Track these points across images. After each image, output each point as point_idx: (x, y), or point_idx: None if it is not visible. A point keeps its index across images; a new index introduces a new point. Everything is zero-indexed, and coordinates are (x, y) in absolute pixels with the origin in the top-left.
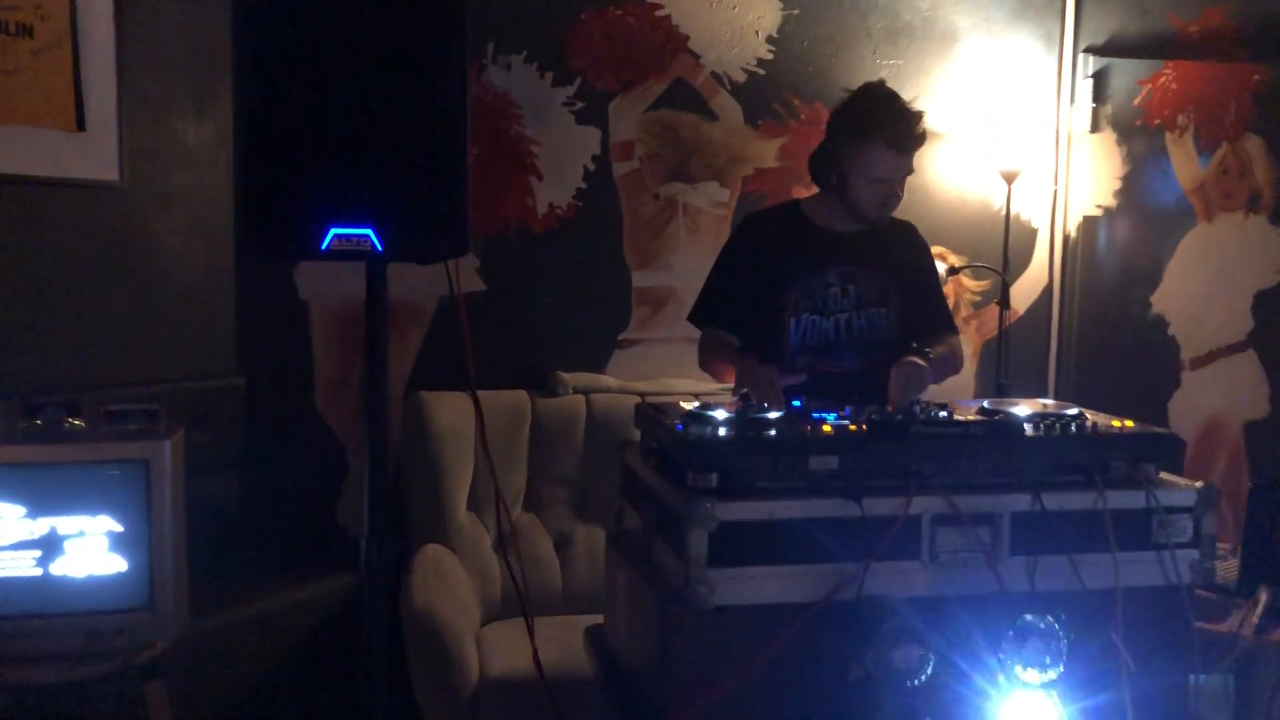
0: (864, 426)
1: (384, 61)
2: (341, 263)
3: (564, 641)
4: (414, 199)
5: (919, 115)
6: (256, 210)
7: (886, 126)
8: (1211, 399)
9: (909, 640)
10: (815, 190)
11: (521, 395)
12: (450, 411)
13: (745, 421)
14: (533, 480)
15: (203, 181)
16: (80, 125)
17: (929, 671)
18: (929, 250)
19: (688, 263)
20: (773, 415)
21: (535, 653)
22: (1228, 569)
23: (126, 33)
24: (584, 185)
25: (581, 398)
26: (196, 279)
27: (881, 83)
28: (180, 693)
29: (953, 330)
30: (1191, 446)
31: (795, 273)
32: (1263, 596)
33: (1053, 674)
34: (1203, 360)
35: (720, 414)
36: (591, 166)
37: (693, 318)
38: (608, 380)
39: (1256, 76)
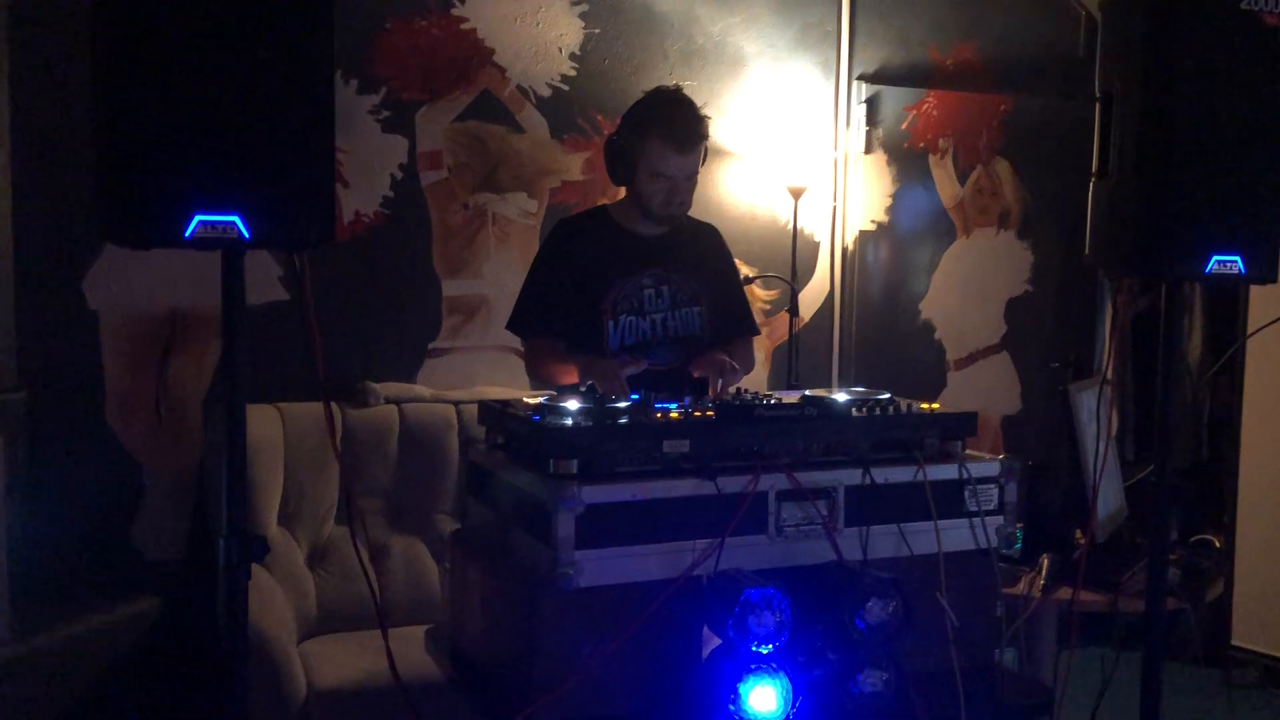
0: (710, 413)
1: (250, 47)
2: (135, 270)
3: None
4: (280, 186)
5: (700, 116)
6: (115, 197)
7: (667, 122)
8: (974, 396)
9: (765, 606)
10: (621, 195)
11: (332, 407)
12: (257, 423)
13: (599, 411)
14: (343, 493)
15: None
16: None
17: (785, 637)
18: (730, 253)
19: (498, 271)
20: (622, 405)
21: (390, 655)
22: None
23: None
24: (391, 194)
25: (394, 407)
26: None
27: (675, 86)
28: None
29: (754, 331)
30: None
31: (610, 276)
32: (1045, 563)
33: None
34: (965, 361)
35: (572, 404)
36: (399, 175)
37: (513, 326)
38: (420, 389)
39: (1003, 106)
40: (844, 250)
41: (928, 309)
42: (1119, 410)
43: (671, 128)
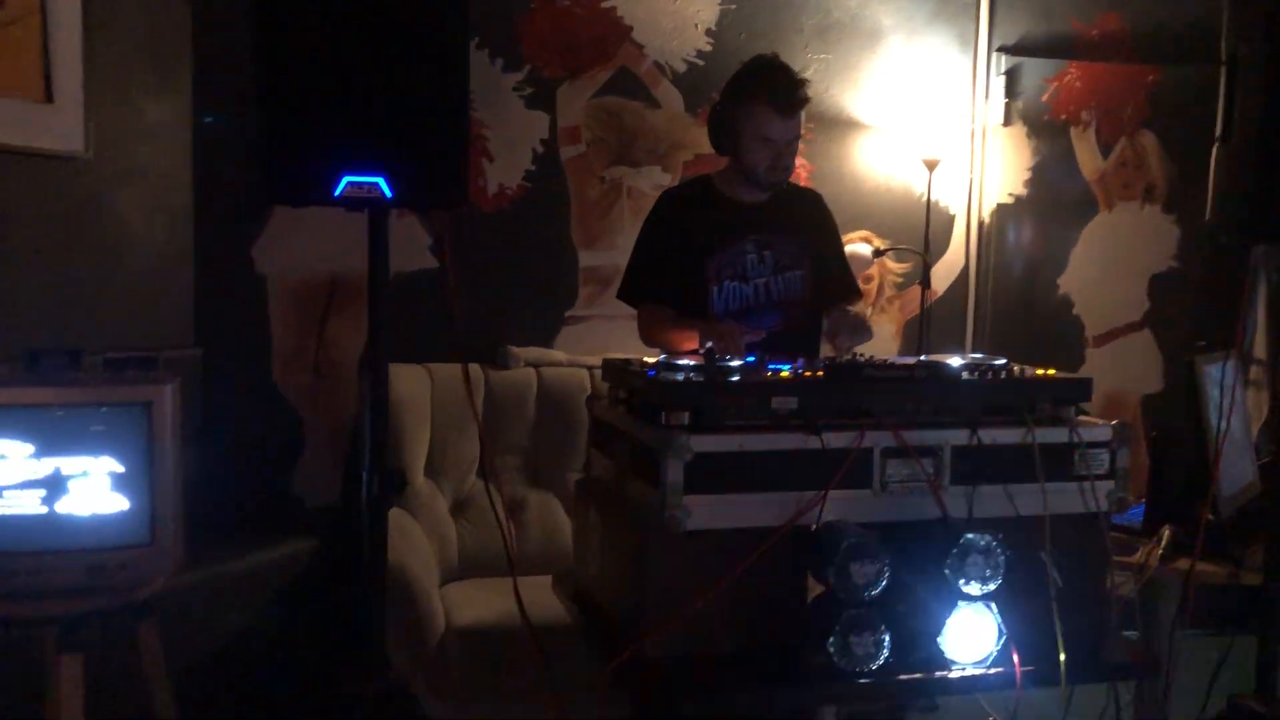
0: (820, 373)
1: (393, 25)
2: (297, 238)
3: (525, 595)
4: (420, 151)
5: (801, 80)
6: (275, 159)
7: (769, 88)
8: (1112, 373)
9: (866, 556)
10: (725, 165)
11: (474, 368)
12: (408, 382)
13: (711, 367)
14: (485, 448)
15: (163, 158)
16: (48, 97)
17: (884, 585)
18: (833, 217)
19: (631, 243)
20: (735, 364)
21: (518, 596)
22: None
23: (92, 9)
24: (533, 167)
25: (532, 370)
26: (156, 253)
27: (773, 54)
28: (167, 635)
29: (858, 294)
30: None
31: (713, 244)
32: (1165, 533)
33: (991, 586)
34: (1104, 338)
35: (687, 362)
36: (540, 149)
37: (624, 295)
38: (557, 354)
39: (1151, 77)
40: (980, 223)
41: (1066, 284)
42: (1271, 394)
43: (775, 93)
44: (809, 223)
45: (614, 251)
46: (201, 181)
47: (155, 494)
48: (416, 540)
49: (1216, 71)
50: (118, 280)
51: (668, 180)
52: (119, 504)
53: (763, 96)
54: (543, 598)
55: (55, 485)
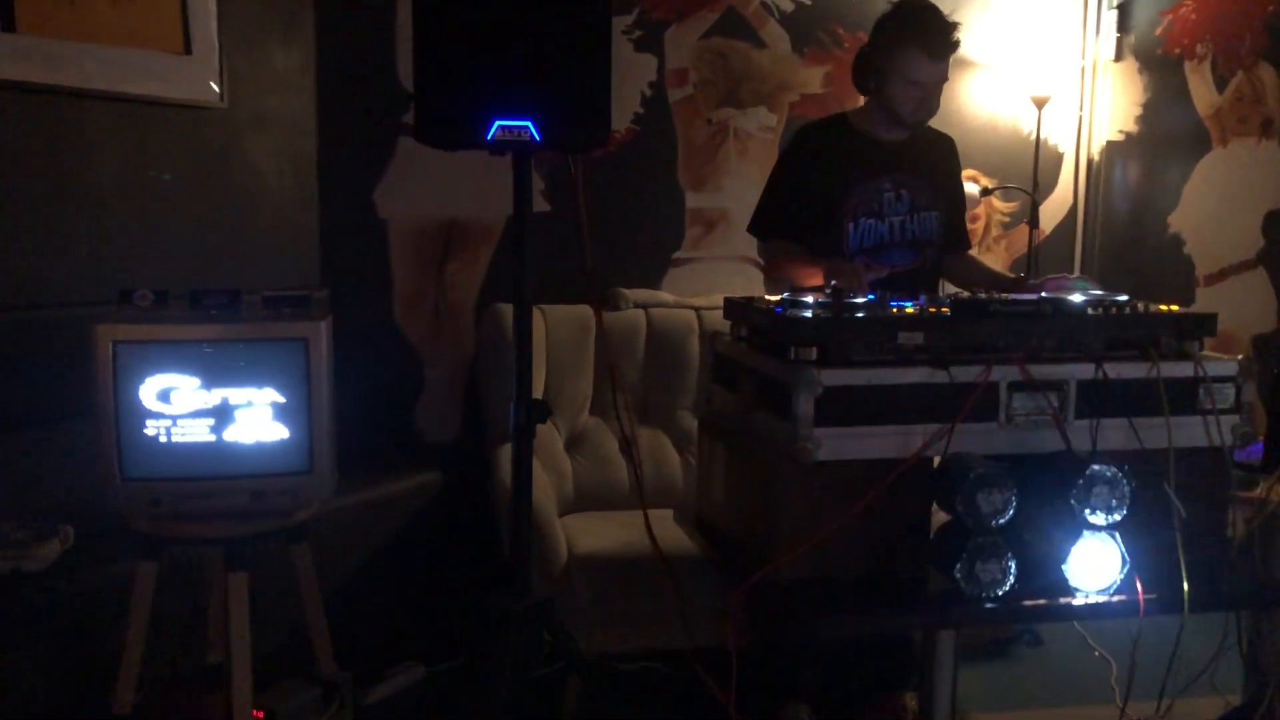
0: (945, 309)
1: None
2: (416, 184)
3: (640, 527)
4: (565, 95)
5: (953, 25)
6: (430, 107)
7: (921, 31)
8: (1224, 313)
9: (993, 486)
10: (860, 104)
11: (585, 309)
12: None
13: (837, 304)
14: (598, 387)
15: (290, 106)
16: (187, 49)
17: (1010, 514)
18: (960, 163)
19: (738, 185)
20: (860, 301)
21: (649, 525)
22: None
23: None
24: (641, 110)
25: (641, 312)
26: (286, 197)
27: None
28: (318, 556)
29: (967, 244)
30: None
31: (851, 181)
32: None
33: (1117, 517)
34: (1216, 277)
35: (813, 299)
36: (648, 92)
37: (754, 229)
38: (664, 296)
39: (1271, 7)
40: (1089, 161)
41: (1176, 222)
42: None
43: (927, 36)
44: (943, 166)
45: (720, 194)
46: (325, 128)
47: (313, 424)
48: (536, 474)
49: None
50: (251, 223)
51: (774, 121)
52: (280, 433)
53: (915, 39)
54: (660, 528)
55: (222, 415)
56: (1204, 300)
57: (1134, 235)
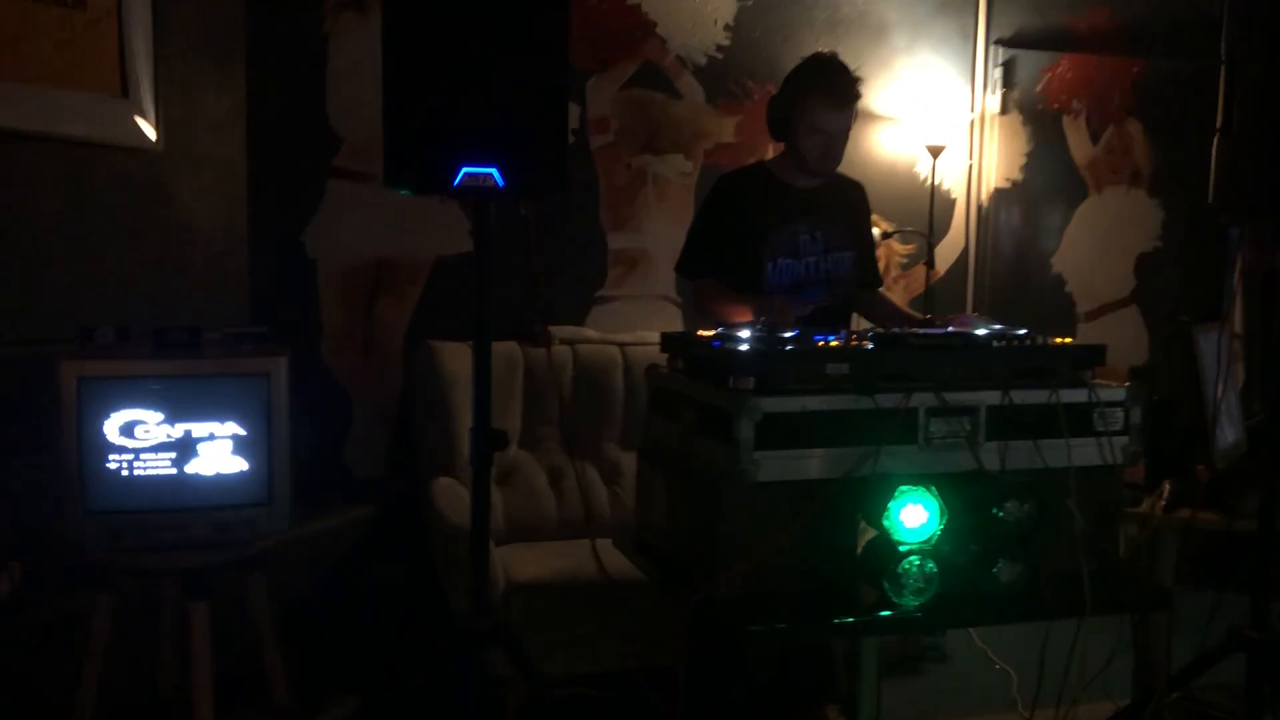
0: (867, 342)
1: (499, 33)
2: (345, 224)
3: (571, 555)
4: (526, 144)
5: (854, 77)
6: (401, 153)
7: (826, 83)
8: None
9: (915, 503)
10: (777, 153)
11: (514, 346)
12: (456, 358)
13: (770, 338)
14: (526, 421)
15: (222, 147)
16: (124, 92)
17: (931, 529)
18: (869, 207)
19: (657, 227)
20: (788, 335)
21: (596, 552)
22: (1135, 473)
23: (160, 9)
24: None
25: (568, 348)
26: (217, 237)
27: (830, 51)
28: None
29: (879, 280)
30: None
31: (768, 224)
32: (1166, 487)
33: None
34: (1095, 314)
35: (744, 333)
36: (572, 139)
37: (682, 269)
38: (589, 332)
39: (1136, 68)
40: (979, 206)
41: (1059, 263)
42: (1245, 363)
43: (830, 88)
44: (855, 209)
45: (640, 235)
46: (257, 170)
47: (273, 456)
48: (470, 504)
49: (1199, 64)
50: (185, 263)
51: (690, 167)
52: (240, 465)
53: (818, 90)
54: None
55: (185, 448)
56: (1085, 335)
57: (1021, 274)
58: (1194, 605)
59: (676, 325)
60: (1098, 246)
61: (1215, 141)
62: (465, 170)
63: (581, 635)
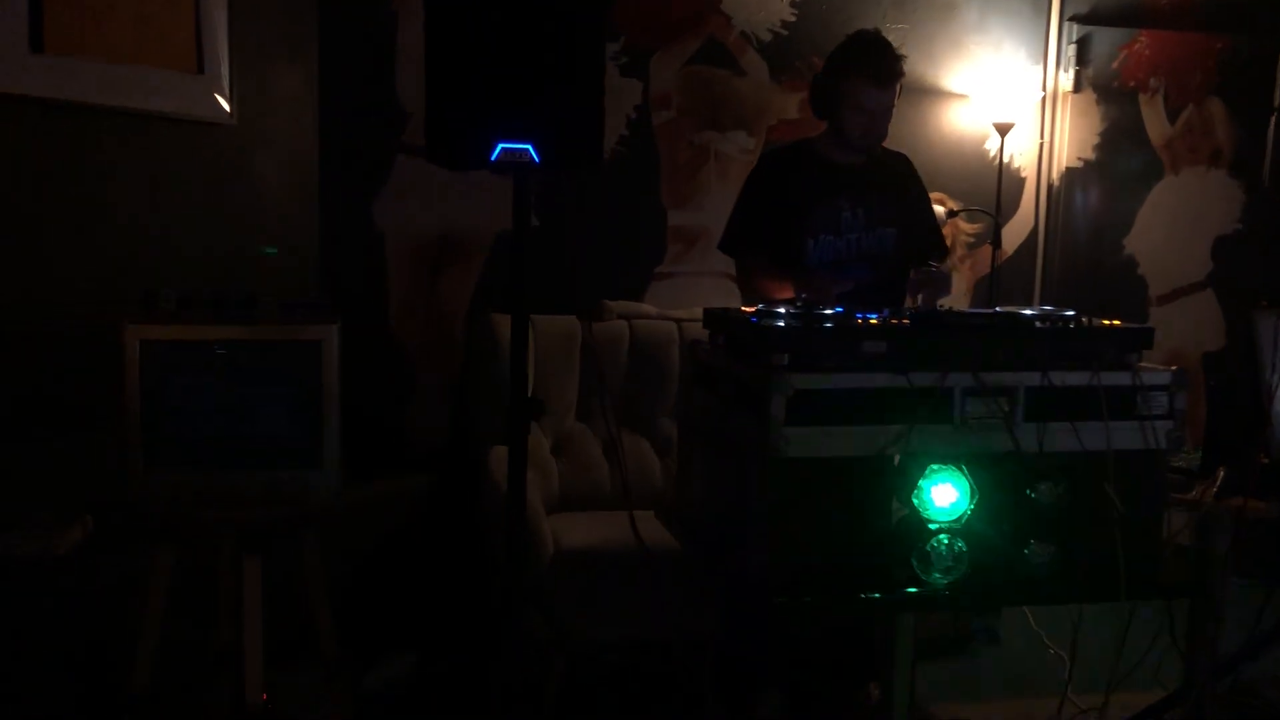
0: (905, 320)
1: (536, 8)
2: (412, 198)
3: (620, 525)
4: (562, 119)
5: (897, 55)
6: (440, 128)
7: (867, 61)
8: (1175, 331)
9: (947, 481)
10: (823, 129)
11: (572, 320)
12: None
13: (807, 314)
14: (583, 393)
15: (294, 123)
16: (200, 69)
17: (963, 509)
18: (921, 179)
19: (718, 204)
20: (828, 312)
21: (634, 523)
22: (1193, 459)
23: None
24: (626, 132)
25: (625, 323)
26: (289, 211)
27: (873, 29)
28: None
29: (945, 251)
30: None
31: (811, 200)
32: (1220, 473)
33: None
34: (1168, 297)
35: (785, 310)
36: (634, 115)
37: (725, 247)
38: (647, 308)
39: (1219, 45)
40: (1049, 186)
41: (1131, 244)
42: None
43: (872, 66)
44: (899, 184)
45: (700, 212)
46: (327, 144)
47: (324, 421)
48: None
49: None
50: (256, 233)
51: (753, 145)
52: (292, 429)
53: (860, 68)
54: (642, 526)
55: (240, 411)
56: (1156, 319)
57: (1091, 256)
58: (1247, 596)
59: (734, 302)
60: (1173, 228)
61: (1272, 121)
62: (501, 146)
63: (619, 603)
